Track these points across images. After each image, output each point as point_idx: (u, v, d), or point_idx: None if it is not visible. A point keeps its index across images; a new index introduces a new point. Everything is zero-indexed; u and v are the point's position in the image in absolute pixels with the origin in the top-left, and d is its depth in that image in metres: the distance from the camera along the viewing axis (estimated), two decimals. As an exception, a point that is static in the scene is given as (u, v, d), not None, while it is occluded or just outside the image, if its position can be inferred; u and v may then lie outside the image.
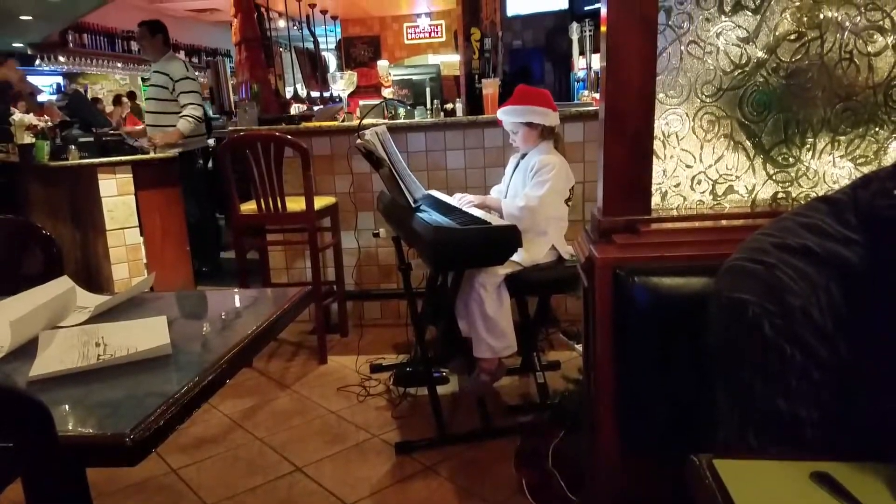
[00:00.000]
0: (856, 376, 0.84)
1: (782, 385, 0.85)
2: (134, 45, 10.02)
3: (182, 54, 10.64)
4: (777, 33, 1.39)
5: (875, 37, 1.38)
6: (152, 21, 4.67)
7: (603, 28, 1.39)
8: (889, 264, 0.83)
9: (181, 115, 4.46)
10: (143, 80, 4.80)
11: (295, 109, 5.54)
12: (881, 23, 1.37)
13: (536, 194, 2.54)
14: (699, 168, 1.46)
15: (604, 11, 1.38)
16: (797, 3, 1.37)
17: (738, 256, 0.94)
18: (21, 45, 10.21)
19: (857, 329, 0.83)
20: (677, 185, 1.46)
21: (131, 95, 10.05)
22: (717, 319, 0.95)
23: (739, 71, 1.41)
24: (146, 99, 4.79)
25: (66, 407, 0.93)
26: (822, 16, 1.38)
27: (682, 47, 1.41)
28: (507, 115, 2.69)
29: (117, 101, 9.74)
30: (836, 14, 1.38)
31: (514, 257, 2.47)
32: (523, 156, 2.75)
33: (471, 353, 2.61)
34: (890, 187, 0.84)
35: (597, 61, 1.90)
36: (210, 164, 5.41)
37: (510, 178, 2.83)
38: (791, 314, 0.85)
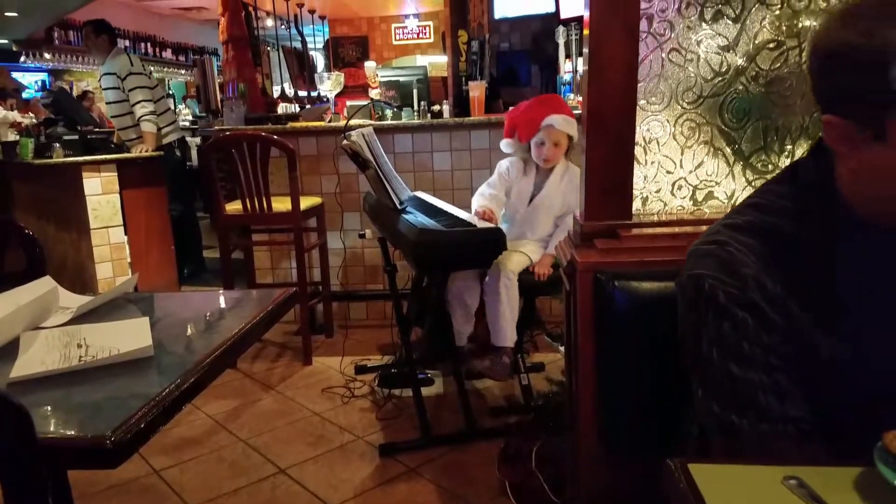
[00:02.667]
0: (810, 348, 0.89)
1: (736, 350, 0.89)
2: (120, 43, 9.94)
3: (168, 52, 10.59)
4: (757, 42, 1.41)
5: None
6: (97, 21, 4.57)
7: (586, 32, 1.41)
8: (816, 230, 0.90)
9: (138, 117, 4.37)
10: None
11: (282, 108, 5.52)
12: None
13: None
14: (680, 174, 1.47)
15: (587, 17, 1.39)
16: (776, 13, 1.40)
17: (696, 242, 1.00)
18: (6, 41, 10.11)
19: (804, 295, 0.88)
20: (658, 191, 1.48)
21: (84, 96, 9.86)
22: (681, 301, 0.99)
23: (720, 78, 1.42)
24: (107, 103, 4.68)
25: (47, 408, 0.93)
26: (800, 25, 1.40)
27: (664, 54, 1.42)
28: (567, 126, 2.55)
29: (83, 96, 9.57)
30: (814, 24, 1.40)
31: (531, 254, 2.57)
32: (537, 170, 2.68)
33: (458, 354, 2.62)
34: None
35: (582, 64, 1.93)
36: (195, 163, 5.37)
37: (528, 195, 2.70)
38: (744, 282, 0.89)
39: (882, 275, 0.88)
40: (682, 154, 1.46)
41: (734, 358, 0.89)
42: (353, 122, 3.40)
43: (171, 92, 8.20)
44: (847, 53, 0.84)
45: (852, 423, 0.85)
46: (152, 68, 4.67)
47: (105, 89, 4.59)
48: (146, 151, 4.20)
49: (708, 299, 0.90)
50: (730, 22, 1.40)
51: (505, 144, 2.75)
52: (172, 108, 5.02)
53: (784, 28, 1.40)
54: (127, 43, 9.39)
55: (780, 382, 0.88)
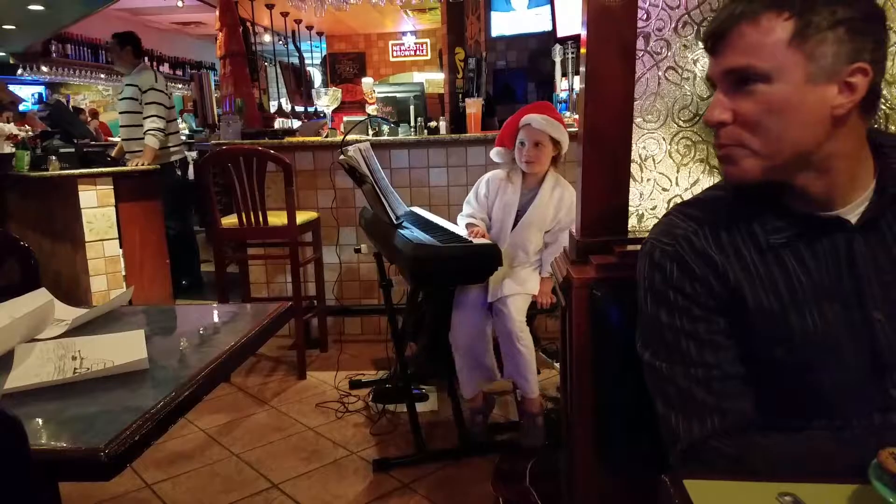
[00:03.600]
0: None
1: (663, 297, 0.99)
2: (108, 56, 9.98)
3: (166, 66, 10.63)
4: (752, 61, 1.43)
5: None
6: (123, 33, 4.62)
7: (583, 51, 1.42)
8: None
9: (145, 130, 4.41)
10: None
11: (279, 123, 5.54)
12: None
13: None
14: (675, 191, 1.48)
15: (583, 35, 1.41)
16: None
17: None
18: (3, 54, 10.13)
19: (733, 252, 0.97)
20: (654, 208, 1.49)
21: (94, 113, 9.93)
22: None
23: (715, 97, 1.44)
24: (120, 112, 4.73)
25: (41, 421, 0.93)
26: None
27: (660, 73, 1.44)
28: (547, 125, 2.44)
29: (94, 114, 9.66)
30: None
31: (529, 283, 2.50)
32: (524, 179, 2.57)
33: (451, 373, 2.61)
34: None
35: (579, 83, 1.94)
36: (191, 177, 5.38)
37: (514, 208, 2.57)
38: (675, 240, 0.99)
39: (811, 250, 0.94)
40: (677, 172, 1.47)
41: (662, 305, 0.99)
42: (350, 137, 3.42)
43: (190, 109, 8.23)
44: None
45: (781, 378, 0.95)
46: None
47: (122, 99, 4.63)
48: (142, 165, 4.20)
49: (647, 255, 1.03)
50: (725, 42, 1.42)
51: (494, 152, 2.67)
52: (182, 130, 5.06)
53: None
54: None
55: (700, 331, 0.97)
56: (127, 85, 4.58)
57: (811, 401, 0.93)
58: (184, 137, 5.29)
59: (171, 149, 4.65)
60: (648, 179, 1.48)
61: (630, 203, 1.44)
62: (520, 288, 2.49)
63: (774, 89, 0.87)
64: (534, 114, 2.46)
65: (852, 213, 0.93)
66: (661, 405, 1.01)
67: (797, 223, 0.94)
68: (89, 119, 9.09)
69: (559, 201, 2.52)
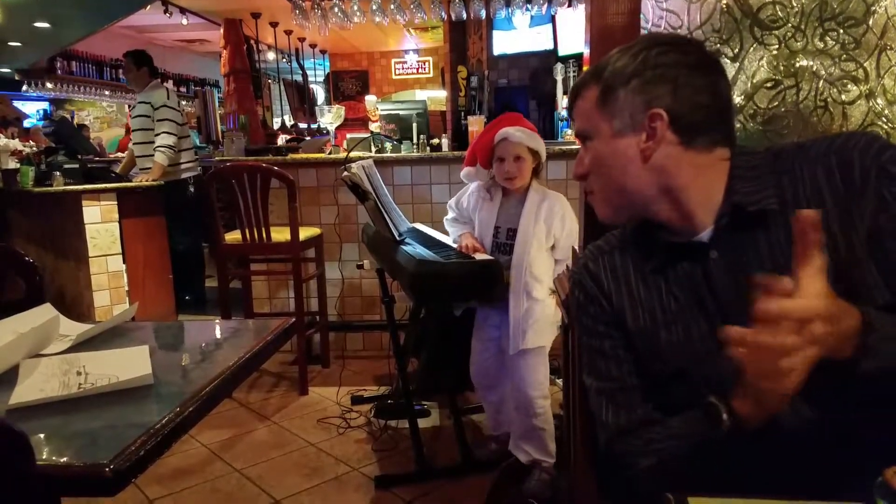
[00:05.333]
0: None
1: (579, 321, 1.12)
2: (122, 74, 10.04)
3: (170, 83, 10.69)
4: (755, 80, 1.44)
5: (849, 86, 1.43)
6: (138, 52, 4.67)
7: (586, 68, 1.43)
8: None
9: (155, 146, 4.45)
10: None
11: (282, 140, 5.56)
12: (855, 73, 1.42)
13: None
14: (678, 208, 1.49)
15: (586, 54, 1.42)
16: (774, 52, 1.43)
17: None
18: (8, 70, 10.20)
19: (620, 277, 1.09)
20: (656, 225, 1.49)
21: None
22: None
23: (716, 115, 1.45)
24: (133, 130, 4.78)
25: (46, 436, 0.93)
26: (798, 65, 1.43)
27: (662, 91, 1.45)
28: (525, 138, 2.28)
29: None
30: (811, 63, 1.43)
31: (548, 336, 2.34)
32: (504, 195, 2.41)
33: (453, 389, 2.61)
34: None
35: None
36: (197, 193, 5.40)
37: (491, 225, 2.41)
38: (579, 269, 1.14)
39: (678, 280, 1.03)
40: (679, 189, 1.48)
41: (581, 327, 1.12)
42: (353, 154, 3.43)
43: (194, 126, 8.28)
44: None
45: (667, 390, 1.04)
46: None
47: (135, 117, 4.67)
48: (148, 181, 4.23)
49: (569, 286, 1.17)
50: (728, 61, 1.43)
51: (464, 174, 2.48)
52: (194, 147, 5.09)
53: (782, 68, 1.43)
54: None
55: (605, 347, 1.08)
56: (140, 102, 4.62)
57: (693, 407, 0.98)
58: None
59: (183, 165, 4.67)
60: (651, 197, 1.48)
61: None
62: (543, 340, 2.33)
63: (595, 144, 1.04)
64: (508, 127, 2.29)
65: (707, 236, 1.01)
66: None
67: (663, 251, 1.04)
68: (89, 136, 9.13)
69: (549, 214, 2.31)
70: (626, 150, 1.00)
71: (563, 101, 4.21)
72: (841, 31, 1.38)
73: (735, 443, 0.88)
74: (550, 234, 2.32)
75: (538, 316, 2.30)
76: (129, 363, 1.13)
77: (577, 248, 1.50)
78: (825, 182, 0.94)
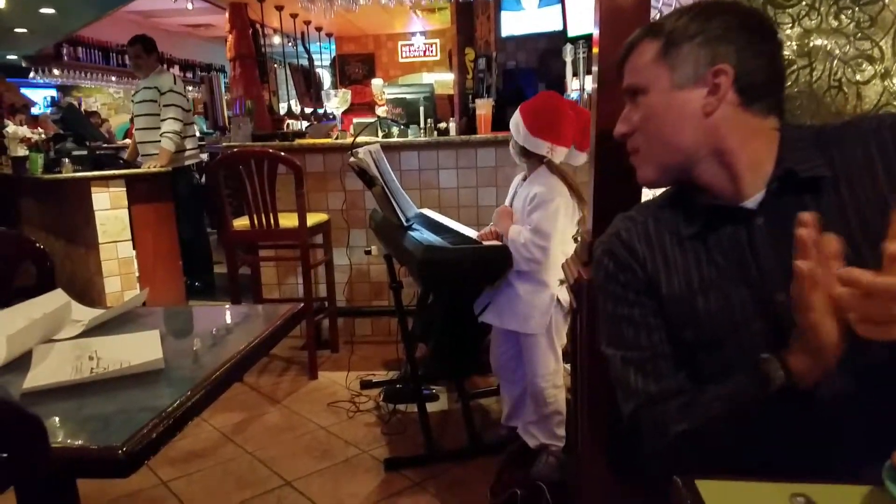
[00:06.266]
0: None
1: (605, 289, 1.11)
2: (128, 59, 10.04)
3: (176, 69, 10.68)
4: (764, 61, 1.42)
5: (864, 65, 1.41)
6: (145, 38, 4.65)
7: (595, 50, 1.42)
8: None
9: (162, 132, 4.44)
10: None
11: (289, 125, 5.55)
12: (870, 52, 1.40)
13: (541, 244, 2.17)
14: (686, 191, 1.48)
15: (596, 35, 1.41)
16: (787, 32, 1.41)
17: None
18: (15, 57, 10.22)
19: (657, 246, 1.08)
20: (665, 208, 1.49)
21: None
22: None
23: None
24: (136, 116, 4.76)
25: (59, 419, 0.94)
26: (811, 44, 1.41)
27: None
28: (512, 128, 2.27)
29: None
30: (826, 42, 1.41)
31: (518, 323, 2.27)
32: (526, 176, 2.38)
33: (462, 374, 2.61)
34: None
35: (590, 83, 1.90)
36: (203, 180, 5.41)
37: (511, 201, 2.44)
38: (609, 238, 1.12)
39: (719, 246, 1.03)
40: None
41: (608, 297, 1.11)
42: (359, 139, 3.43)
43: (200, 111, 8.26)
44: None
45: (694, 358, 1.03)
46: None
47: (139, 102, 4.65)
48: (156, 167, 4.23)
49: (594, 255, 1.15)
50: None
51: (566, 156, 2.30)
52: (198, 133, 5.08)
53: (795, 47, 1.41)
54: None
55: (635, 315, 1.07)
56: (144, 88, 4.61)
57: (723, 380, 0.98)
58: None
59: (187, 152, 4.67)
60: (660, 180, 1.48)
61: (642, 204, 1.44)
62: (537, 326, 2.26)
63: (650, 98, 1.03)
64: (515, 117, 2.27)
65: (754, 203, 1.00)
66: (615, 389, 1.11)
67: (704, 215, 1.03)
68: (101, 122, 9.15)
69: (527, 196, 2.25)
70: (685, 103, 1.00)
71: (572, 83, 4.18)
72: (856, 8, 1.36)
73: (779, 406, 0.88)
74: (523, 216, 2.27)
75: (509, 297, 2.29)
76: (141, 348, 1.14)
77: (585, 232, 1.50)
78: (879, 156, 0.96)
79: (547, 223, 2.16)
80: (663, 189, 1.17)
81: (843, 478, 0.78)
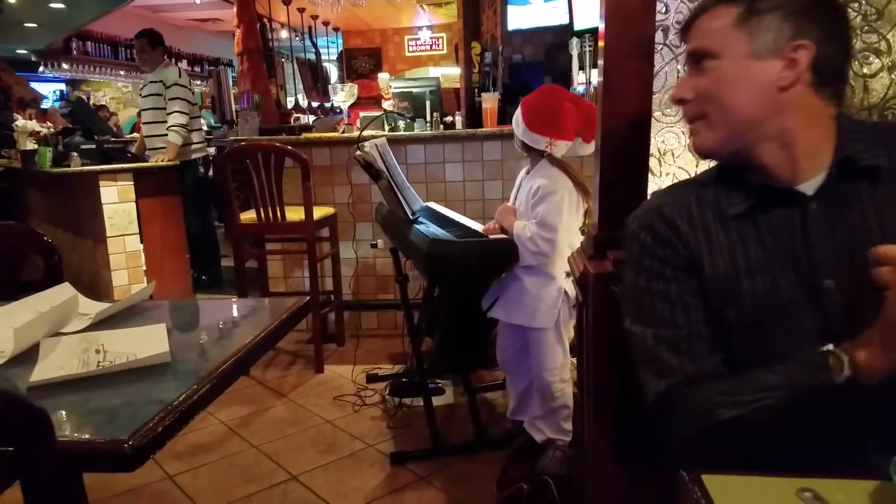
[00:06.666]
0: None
1: (639, 264, 1.08)
2: (135, 54, 10.04)
3: (184, 63, 10.70)
4: (772, 54, 1.41)
5: (871, 59, 1.40)
6: (153, 32, 4.66)
7: (601, 44, 1.41)
8: None
9: (168, 126, 4.45)
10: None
11: (302, 118, 5.55)
12: (877, 45, 1.39)
13: (548, 236, 2.15)
14: (694, 185, 1.47)
15: (601, 29, 1.40)
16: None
17: None
18: (25, 51, 10.26)
19: (699, 224, 1.05)
20: (672, 202, 1.48)
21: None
22: None
23: (734, 90, 1.42)
24: (142, 110, 4.77)
25: (66, 413, 0.95)
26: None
27: (679, 66, 1.43)
28: (514, 124, 2.28)
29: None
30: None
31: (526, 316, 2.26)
32: (528, 171, 2.36)
33: (468, 368, 2.61)
34: None
35: (596, 76, 1.88)
36: (210, 173, 5.42)
37: (515, 194, 2.42)
38: (648, 212, 1.09)
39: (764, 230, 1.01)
40: (696, 166, 1.47)
41: (641, 272, 1.08)
42: (366, 132, 3.42)
43: (208, 105, 8.26)
44: None
45: (735, 340, 1.01)
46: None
47: (145, 96, 4.67)
48: (163, 161, 4.24)
49: (628, 229, 1.12)
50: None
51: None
52: (206, 127, 5.09)
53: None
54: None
55: (671, 292, 1.04)
56: (151, 82, 4.61)
57: (765, 364, 0.96)
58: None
59: (193, 146, 4.68)
60: (667, 174, 1.47)
61: (648, 198, 1.44)
62: (545, 320, 2.25)
63: (722, 63, 0.99)
64: (518, 112, 2.28)
65: (810, 187, 0.99)
66: (639, 367, 1.08)
67: (756, 195, 1.01)
68: (109, 116, 9.17)
69: (530, 188, 2.25)
70: (760, 73, 0.97)
71: (578, 77, 4.16)
72: (863, 1, 1.35)
73: (839, 398, 0.86)
74: (527, 209, 2.26)
75: (516, 292, 2.28)
76: (147, 341, 1.14)
77: (591, 225, 1.49)
78: None
79: (552, 216, 2.15)
80: (678, 180, 1.16)
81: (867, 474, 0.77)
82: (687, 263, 1.04)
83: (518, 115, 2.25)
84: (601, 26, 1.39)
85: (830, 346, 0.86)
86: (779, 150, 0.99)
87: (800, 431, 0.90)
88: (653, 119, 1.42)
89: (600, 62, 1.41)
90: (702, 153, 1.07)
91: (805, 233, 0.98)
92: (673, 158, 1.46)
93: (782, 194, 1.00)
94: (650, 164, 1.43)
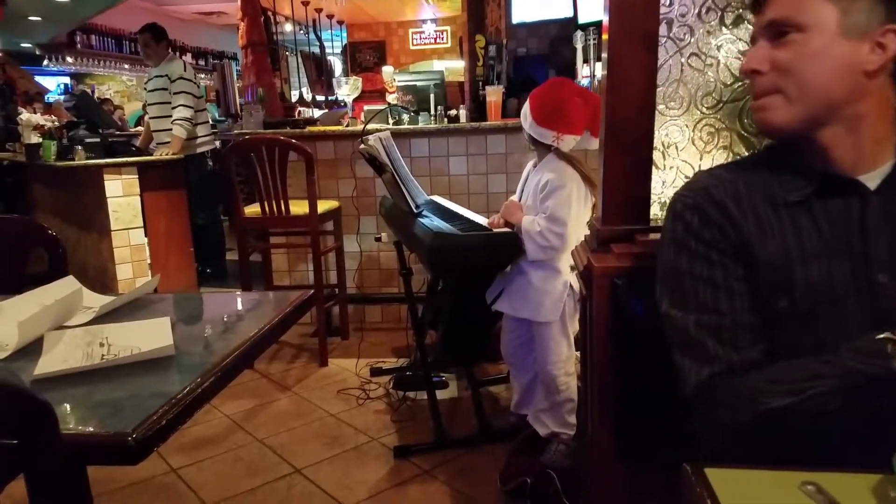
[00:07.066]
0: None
1: (684, 244, 1.04)
2: (139, 48, 10.03)
3: (189, 56, 10.70)
4: (777, 47, 1.40)
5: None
6: (155, 27, 4.66)
7: (605, 37, 1.41)
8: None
9: (173, 119, 4.46)
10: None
11: (303, 112, 5.54)
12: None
13: (558, 230, 2.14)
14: (698, 179, 1.47)
15: (605, 22, 1.39)
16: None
17: None
18: (29, 45, 10.27)
19: (749, 208, 1.02)
20: (676, 196, 1.48)
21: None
22: None
23: (739, 84, 1.42)
24: (148, 104, 4.78)
25: (70, 406, 0.95)
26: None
27: (683, 59, 1.42)
28: (522, 118, 2.27)
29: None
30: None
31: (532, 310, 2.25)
32: (535, 164, 2.35)
33: (472, 361, 2.61)
34: None
35: (600, 69, 1.87)
36: (216, 166, 5.42)
37: (522, 185, 2.42)
38: (695, 192, 1.05)
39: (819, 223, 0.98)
40: (700, 159, 1.46)
41: (683, 252, 1.04)
42: (370, 126, 3.42)
43: (213, 99, 8.27)
44: None
45: (784, 329, 0.99)
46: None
47: (151, 91, 4.68)
48: (168, 154, 4.25)
49: (671, 209, 1.08)
50: (750, 27, 1.40)
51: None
52: (210, 121, 5.10)
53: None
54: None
55: (717, 277, 1.01)
56: (156, 76, 4.62)
57: (811, 356, 0.94)
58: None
59: (199, 139, 4.68)
60: (671, 167, 1.47)
61: (652, 191, 1.43)
62: (550, 314, 2.24)
63: (809, 37, 0.94)
64: (526, 107, 2.26)
65: (871, 180, 0.97)
66: (676, 353, 1.05)
67: (816, 181, 0.98)
68: (114, 110, 9.18)
69: (538, 182, 2.24)
70: (847, 53, 0.93)
71: (582, 70, 4.14)
72: None
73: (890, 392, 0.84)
74: (535, 203, 2.25)
75: (521, 285, 2.28)
76: (151, 334, 1.15)
77: (595, 219, 1.49)
78: None
79: (561, 210, 2.14)
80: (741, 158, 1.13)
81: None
82: (735, 248, 1.01)
83: (526, 108, 2.24)
84: (605, 19, 1.39)
85: (888, 333, 0.83)
86: (846, 135, 0.96)
87: (853, 422, 0.89)
88: (657, 112, 1.41)
89: (604, 55, 1.41)
90: (769, 130, 1.01)
91: (863, 225, 0.96)
92: (677, 152, 1.46)
93: (844, 183, 0.97)
94: (654, 157, 1.43)
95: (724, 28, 1.41)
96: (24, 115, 4.63)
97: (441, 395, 2.83)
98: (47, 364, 1.04)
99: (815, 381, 0.90)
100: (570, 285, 2.24)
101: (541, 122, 2.19)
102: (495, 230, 2.32)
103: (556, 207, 2.15)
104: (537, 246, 2.18)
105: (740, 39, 1.41)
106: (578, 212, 2.19)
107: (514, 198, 2.44)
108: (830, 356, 0.90)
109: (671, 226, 1.07)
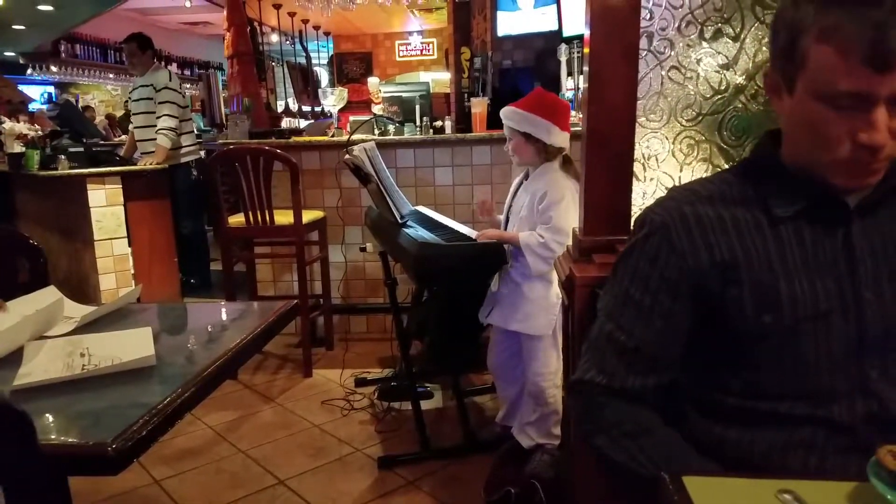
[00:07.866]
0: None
1: (631, 261, 1.06)
2: (124, 57, 10.00)
3: (174, 66, 10.67)
4: (756, 60, 1.43)
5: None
6: (140, 36, 4.65)
7: (587, 50, 1.43)
8: None
9: (157, 129, 4.44)
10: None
11: (286, 123, 5.53)
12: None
13: (563, 241, 2.07)
14: (679, 190, 1.49)
15: (587, 35, 1.41)
16: (775, 32, 1.41)
17: None
18: (13, 54, 10.20)
19: (715, 234, 1.01)
20: (657, 207, 1.49)
21: (111, 118, 9.96)
22: None
23: (719, 96, 1.44)
24: (133, 114, 4.77)
25: (50, 416, 0.94)
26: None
27: (664, 72, 1.44)
28: (507, 118, 2.27)
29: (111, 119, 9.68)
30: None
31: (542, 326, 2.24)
32: (526, 176, 2.35)
33: (457, 371, 2.61)
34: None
35: (583, 82, 1.89)
36: (200, 176, 5.40)
37: (511, 199, 2.40)
38: (666, 211, 1.04)
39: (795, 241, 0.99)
40: (681, 171, 1.48)
41: (628, 267, 1.06)
42: (355, 136, 3.43)
43: (198, 109, 8.25)
44: (778, 15, 0.98)
45: (768, 346, 0.97)
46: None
47: (136, 100, 4.66)
48: (151, 164, 4.23)
49: (639, 220, 1.08)
50: (729, 41, 1.42)
51: None
52: (196, 130, 5.09)
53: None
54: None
55: (644, 302, 1.02)
56: (141, 86, 4.61)
57: (795, 374, 0.96)
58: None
59: (184, 149, 4.66)
60: (651, 179, 1.48)
61: (633, 202, 1.45)
62: (543, 328, 2.25)
63: None
64: (507, 106, 2.29)
65: (852, 198, 0.98)
66: (585, 343, 1.10)
67: (804, 200, 0.98)
68: (107, 122, 9.14)
69: (533, 194, 2.23)
70: None
71: (567, 83, 4.18)
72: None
73: None
74: (532, 215, 2.24)
75: (514, 299, 2.28)
76: (132, 344, 1.14)
77: (576, 230, 1.50)
78: None
79: (564, 219, 2.14)
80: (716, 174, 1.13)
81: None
82: (688, 276, 1.00)
83: (510, 110, 2.24)
84: (587, 32, 1.41)
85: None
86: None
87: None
88: (637, 125, 1.43)
89: (586, 68, 1.42)
90: (865, 187, 0.97)
91: (847, 243, 0.97)
92: (657, 164, 1.48)
93: (830, 201, 0.98)
94: (635, 169, 1.44)
95: (703, 42, 1.43)
96: (7, 125, 4.60)
97: (426, 405, 2.82)
98: (27, 374, 1.03)
99: (645, 453, 0.98)
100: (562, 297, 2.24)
101: (534, 111, 2.20)
102: (481, 240, 2.32)
103: (559, 218, 2.15)
104: (540, 258, 2.16)
105: (719, 53, 1.43)
106: (576, 221, 2.19)
107: (501, 217, 2.43)
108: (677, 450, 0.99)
109: (633, 234, 1.09)
